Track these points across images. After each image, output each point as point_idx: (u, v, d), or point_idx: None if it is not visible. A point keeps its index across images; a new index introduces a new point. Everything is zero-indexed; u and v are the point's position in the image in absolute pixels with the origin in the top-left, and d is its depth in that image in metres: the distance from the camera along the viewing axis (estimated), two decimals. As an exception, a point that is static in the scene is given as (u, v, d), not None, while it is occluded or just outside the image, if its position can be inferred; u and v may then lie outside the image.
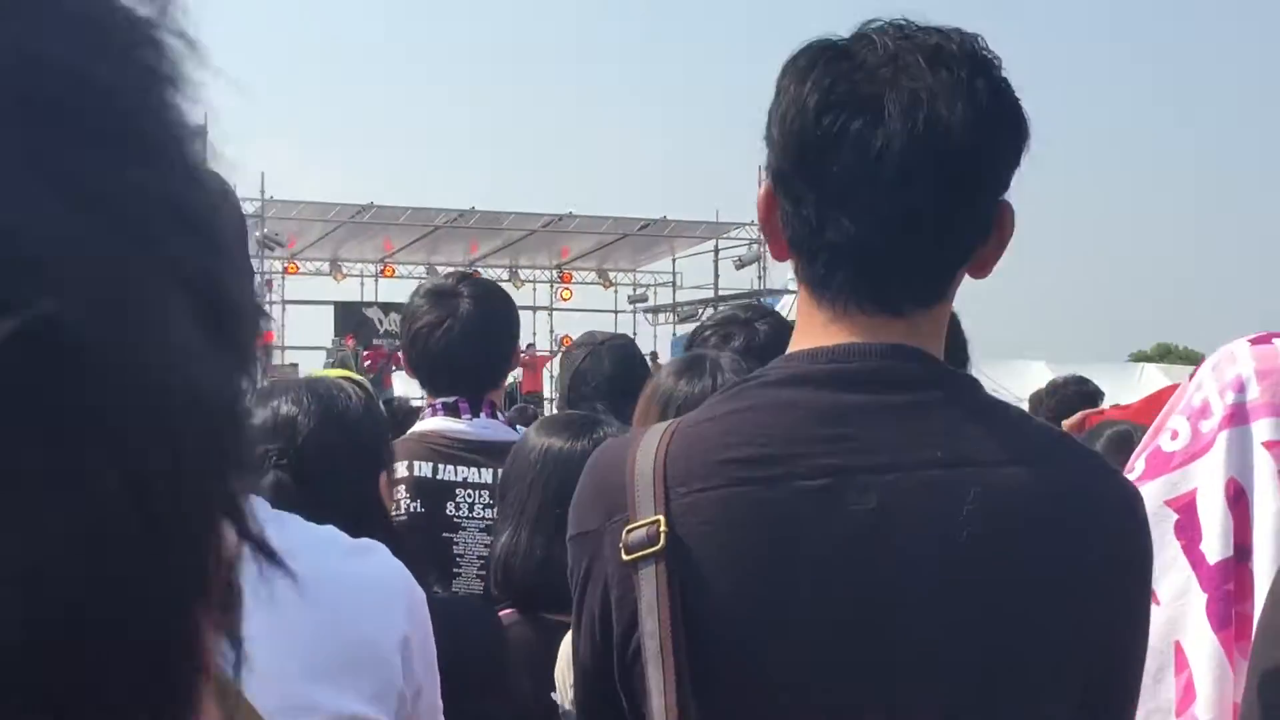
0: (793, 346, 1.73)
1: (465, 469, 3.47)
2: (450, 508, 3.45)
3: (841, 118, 1.62)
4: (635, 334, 33.45)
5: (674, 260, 33.17)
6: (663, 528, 1.60)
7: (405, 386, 26.50)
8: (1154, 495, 2.16)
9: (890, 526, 1.58)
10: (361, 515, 2.18)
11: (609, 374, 4.15)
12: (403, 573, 1.83)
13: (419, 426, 3.55)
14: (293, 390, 2.34)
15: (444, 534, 3.43)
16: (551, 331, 33.09)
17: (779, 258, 1.74)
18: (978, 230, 1.68)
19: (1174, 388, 3.34)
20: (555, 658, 2.64)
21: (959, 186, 1.64)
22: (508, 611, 2.83)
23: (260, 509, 1.53)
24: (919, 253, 1.65)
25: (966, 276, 1.73)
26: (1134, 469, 2.28)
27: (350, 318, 30.19)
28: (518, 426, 3.75)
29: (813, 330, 1.70)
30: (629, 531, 1.63)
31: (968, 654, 1.58)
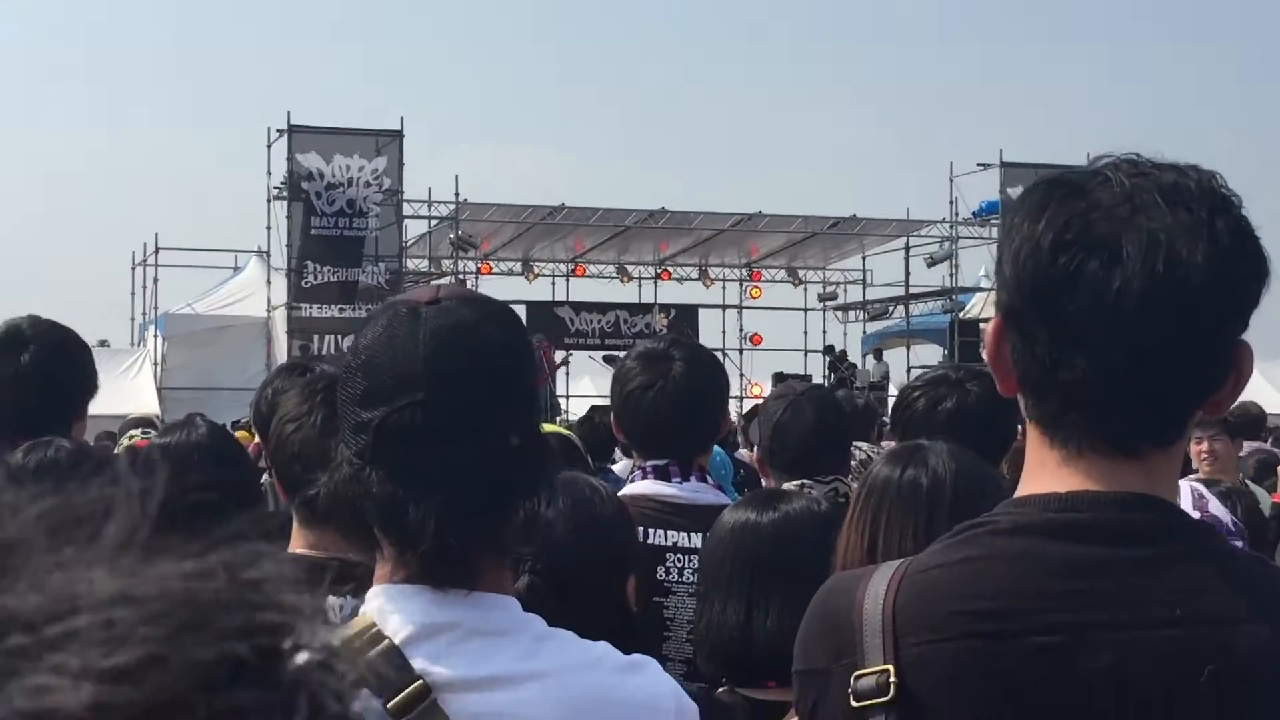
0: (1023, 489, 1.70)
1: (675, 533, 3.49)
2: (660, 572, 3.46)
3: (1078, 257, 1.59)
4: (825, 331, 33.36)
5: (864, 258, 32.93)
6: (893, 678, 1.60)
7: (594, 385, 26.82)
8: None
9: (1124, 688, 1.55)
10: (611, 621, 2.19)
11: (810, 426, 4.15)
12: (674, 688, 1.84)
13: (629, 489, 3.58)
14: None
15: (654, 599, 3.44)
16: (741, 329, 33.08)
17: (1007, 393, 1.72)
18: (1216, 371, 1.64)
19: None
20: None
21: (1198, 328, 1.60)
22: (721, 690, 2.85)
23: (537, 624, 1.55)
24: (1155, 394, 1.61)
25: None
26: None
27: (542, 317, 30.51)
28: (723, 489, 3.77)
29: (1044, 473, 1.67)
30: (857, 678, 1.63)
31: None
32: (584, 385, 30.54)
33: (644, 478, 3.58)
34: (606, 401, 4.04)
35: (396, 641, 1.71)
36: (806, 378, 28.60)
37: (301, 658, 0.51)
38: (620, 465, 6.96)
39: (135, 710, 0.46)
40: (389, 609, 1.75)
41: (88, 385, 4.04)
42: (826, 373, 29.85)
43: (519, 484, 1.77)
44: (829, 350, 31.71)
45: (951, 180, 28.94)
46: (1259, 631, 1.57)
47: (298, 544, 3.00)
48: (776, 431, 4.17)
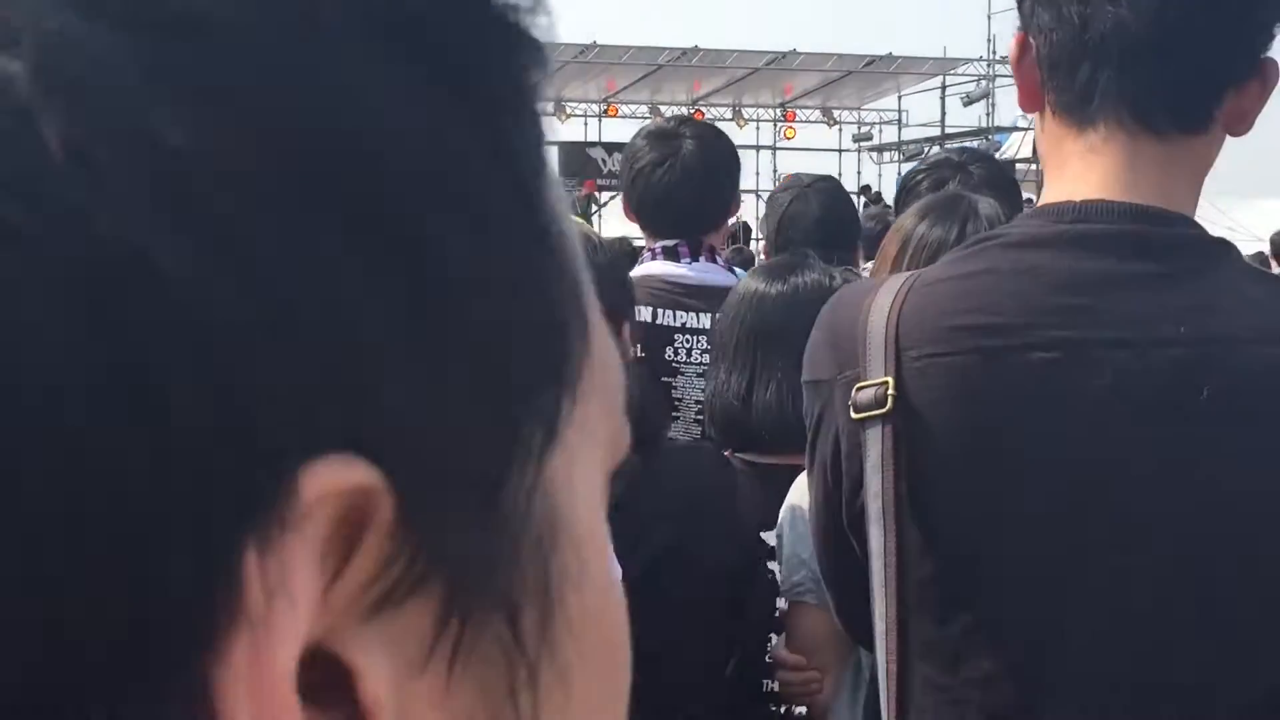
0: (1045, 194, 1.68)
1: (684, 314, 3.44)
2: (669, 352, 3.43)
3: None
4: (860, 173, 33.17)
5: (899, 98, 32.67)
6: (891, 391, 1.59)
7: (624, 227, 26.80)
8: None
9: (1123, 406, 1.52)
10: None
11: (817, 216, 4.10)
12: None
13: (638, 270, 3.51)
14: None
15: (663, 378, 3.41)
16: (775, 171, 32.84)
17: (1028, 107, 1.70)
18: (1243, 56, 1.62)
19: None
20: (758, 498, 2.63)
21: None
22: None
23: None
24: (1185, 57, 1.58)
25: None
26: None
27: (574, 158, 30.36)
28: (735, 269, 3.70)
29: (1065, 173, 1.64)
30: (858, 390, 1.63)
31: (1187, 536, 1.52)
32: (614, 227, 30.52)
33: (654, 258, 3.52)
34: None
35: None
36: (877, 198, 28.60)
37: None
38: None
39: None
40: None
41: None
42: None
43: None
44: (864, 190, 31.51)
45: (989, 17, 28.53)
46: (1265, 353, 1.53)
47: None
48: (783, 222, 4.09)
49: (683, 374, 3.44)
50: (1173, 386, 1.51)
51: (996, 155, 28.93)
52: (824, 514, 1.79)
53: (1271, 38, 1.63)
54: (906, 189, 3.70)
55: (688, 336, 3.43)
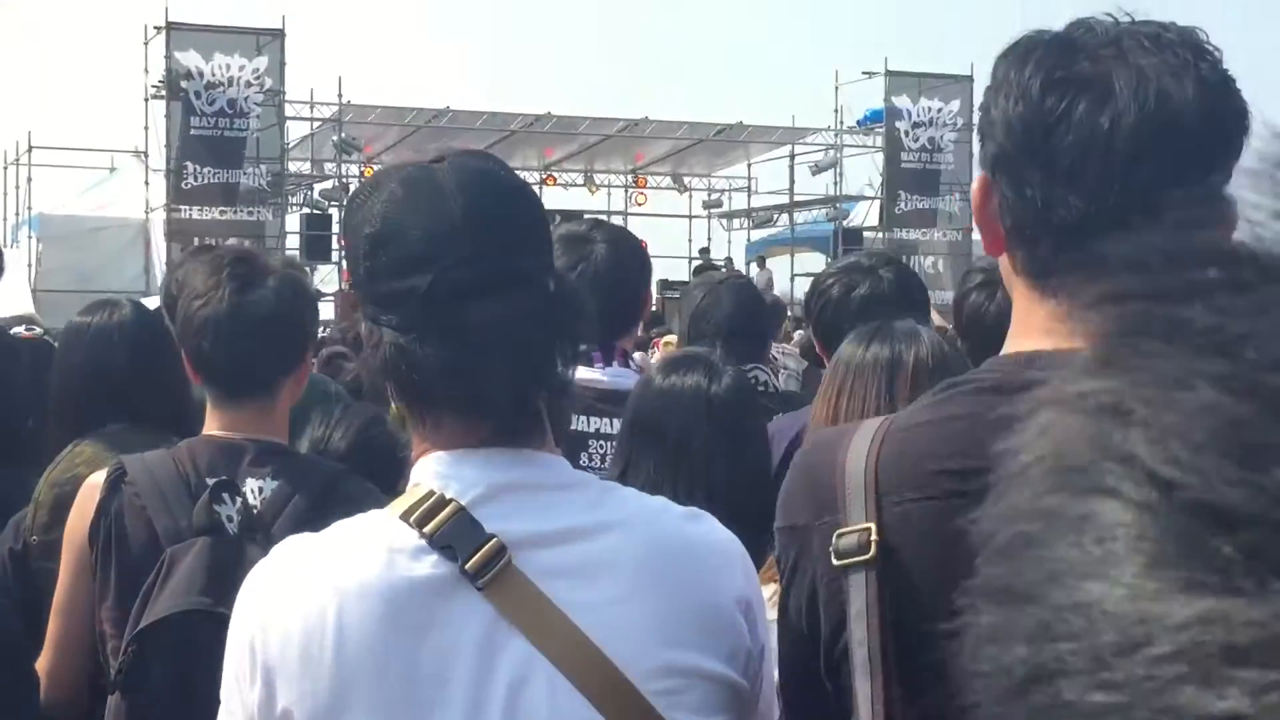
0: (1009, 346, 1.69)
1: (598, 419, 3.42)
2: (583, 459, 3.39)
3: (1068, 96, 1.58)
4: (709, 240, 33.41)
5: (749, 165, 33.02)
6: (874, 536, 1.60)
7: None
8: None
9: None
10: None
11: (728, 313, 4.16)
12: (733, 538, 1.81)
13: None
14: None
15: (576, 485, 3.37)
16: (626, 237, 33.02)
17: (993, 252, 1.71)
18: (1206, 219, 1.61)
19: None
20: None
21: (1189, 167, 1.57)
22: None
23: (594, 478, 1.52)
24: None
25: None
26: None
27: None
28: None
29: (1031, 329, 1.65)
30: (839, 536, 1.63)
31: None
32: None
33: (565, 362, 3.50)
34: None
35: (464, 503, 1.66)
36: (726, 263, 28.77)
37: None
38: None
39: None
40: (448, 475, 1.68)
41: None
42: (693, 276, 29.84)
43: (562, 331, 1.72)
44: (703, 252, 31.68)
45: (837, 89, 29.05)
46: None
47: (211, 426, 2.89)
48: (695, 317, 4.14)
49: (596, 480, 3.40)
50: None
51: (844, 224, 29.41)
52: (796, 661, 1.77)
53: (1230, 200, 1.66)
54: (818, 293, 3.74)
55: (600, 443, 3.41)
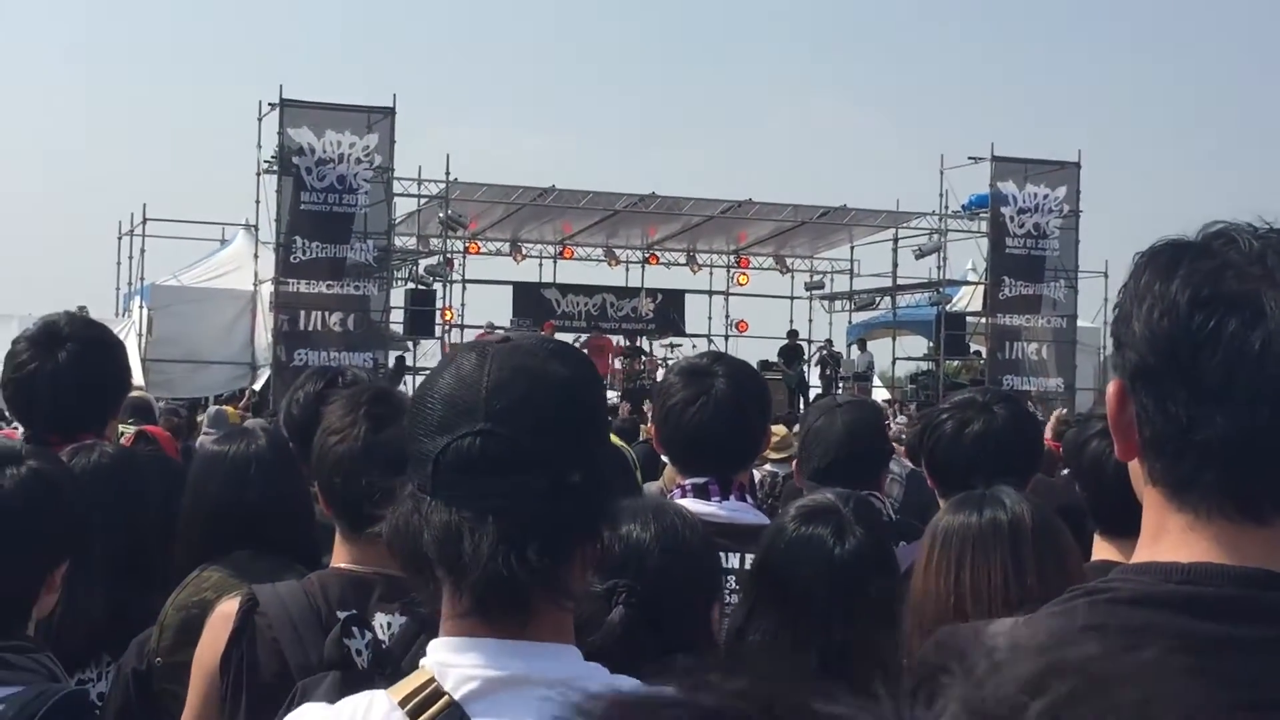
0: (1140, 555, 1.68)
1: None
2: (700, 592, 3.42)
3: (1217, 314, 1.58)
4: (810, 320, 33.36)
5: (852, 248, 33.01)
6: None
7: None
8: None
9: None
10: (701, 649, 2.16)
11: (841, 437, 4.18)
12: None
13: (668, 506, 3.54)
14: (639, 514, 2.31)
15: (693, 618, 3.40)
16: (727, 316, 33.09)
17: (1125, 457, 1.70)
18: None
19: None
20: None
21: None
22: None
23: (600, 674, 1.52)
24: None
25: None
26: None
27: (529, 298, 30.45)
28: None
29: (1166, 539, 1.64)
30: None
31: None
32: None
33: (683, 496, 3.53)
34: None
35: (456, 698, 1.70)
36: (826, 344, 28.43)
37: None
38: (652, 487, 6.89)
39: None
40: (448, 663, 1.73)
41: (123, 383, 4.06)
42: (778, 357, 29.55)
43: (577, 522, 1.74)
44: (792, 334, 31.40)
45: (942, 173, 29.03)
46: None
47: (340, 558, 2.96)
48: (809, 437, 4.17)
49: (713, 614, 3.44)
50: None
51: (947, 308, 29.22)
52: None
53: None
54: (931, 427, 3.76)
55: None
